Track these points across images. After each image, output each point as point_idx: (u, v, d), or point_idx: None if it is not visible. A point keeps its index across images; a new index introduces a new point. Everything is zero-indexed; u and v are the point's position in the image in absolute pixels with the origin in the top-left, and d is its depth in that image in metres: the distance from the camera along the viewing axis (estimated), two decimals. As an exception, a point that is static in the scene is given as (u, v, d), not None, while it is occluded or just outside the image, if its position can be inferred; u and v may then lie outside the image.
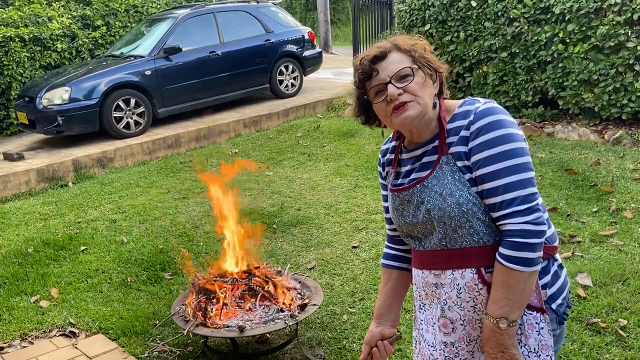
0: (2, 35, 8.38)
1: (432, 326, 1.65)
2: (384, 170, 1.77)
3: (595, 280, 3.41)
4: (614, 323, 3.02)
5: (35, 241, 4.89)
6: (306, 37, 9.87)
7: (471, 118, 1.52)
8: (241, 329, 2.84)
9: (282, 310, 3.04)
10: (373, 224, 4.64)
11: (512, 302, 1.45)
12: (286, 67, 9.54)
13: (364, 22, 10.00)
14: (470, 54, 7.12)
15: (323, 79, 11.09)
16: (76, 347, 3.34)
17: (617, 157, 5.43)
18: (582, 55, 6.05)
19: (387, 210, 1.77)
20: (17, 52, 8.57)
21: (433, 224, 1.56)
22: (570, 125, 6.32)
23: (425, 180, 1.56)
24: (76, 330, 3.51)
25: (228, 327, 2.91)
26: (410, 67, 1.54)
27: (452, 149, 1.53)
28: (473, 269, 1.53)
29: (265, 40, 9.22)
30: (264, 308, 3.12)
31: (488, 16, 6.80)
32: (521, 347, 1.51)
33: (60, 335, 3.51)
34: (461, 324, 1.58)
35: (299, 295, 3.19)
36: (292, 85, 9.67)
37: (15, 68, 8.58)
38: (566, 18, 6.12)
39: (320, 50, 10.54)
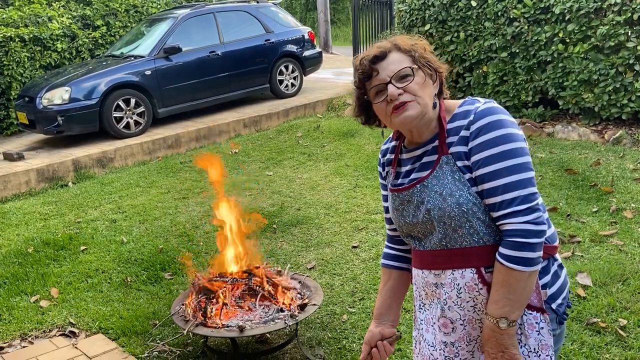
0: (2, 35, 8.39)
1: (432, 326, 1.65)
2: (384, 170, 1.77)
3: (595, 280, 3.41)
4: (613, 323, 3.02)
5: (35, 241, 4.89)
6: (306, 37, 9.86)
7: (471, 118, 1.52)
8: (241, 328, 2.84)
9: (282, 310, 3.04)
10: (373, 224, 4.64)
11: (512, 302, 1.45)
12: (286, 67, 9.54)
13: (364, 22, 9.99)
14: (470, 54, 7.12)
15: (323, 79, 11.09)
16: (76, 347, 3.34)
17: (617, 157, 5.43)
18: (582, 55, 6.05)
19: (387, 210, 1.77)
20: (17, 52, 8.57)
21: (433, 223, 1.56)
22: (570, 125, 6.32)
23: (425, 180, 1.56)
24: (76, 330, 3.51)
25: (228, 327, 2.91)
26: (410, 67, 1.54)
27: (452, 149, 1.53)
28: (473, 269, 1.53)
29: (265, 40, 9.21)
30: (263, 308, 3.12)
31: (488, 16, 6.79)
32: (521, 347, 1.51)
33: (60, 335, 3.51)
34: (461, 324, 1.58)
35: (298, 295, 3.19)
36: (292, 85, 9.67)
37: (15, 68, 8.58)
38: (566, 18, 6.12)
39: (320, 50, 10.54)
